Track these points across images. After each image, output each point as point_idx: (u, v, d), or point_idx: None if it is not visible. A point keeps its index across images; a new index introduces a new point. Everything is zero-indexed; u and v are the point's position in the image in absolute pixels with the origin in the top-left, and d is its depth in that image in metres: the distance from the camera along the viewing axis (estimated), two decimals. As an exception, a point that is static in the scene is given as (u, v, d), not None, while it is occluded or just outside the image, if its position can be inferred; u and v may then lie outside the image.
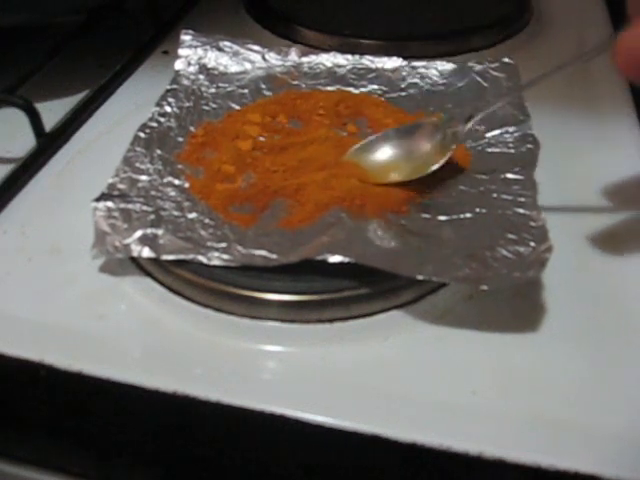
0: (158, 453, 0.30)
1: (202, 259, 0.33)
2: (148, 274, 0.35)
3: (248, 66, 0.49)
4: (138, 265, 0.36)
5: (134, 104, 0.49)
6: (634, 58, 0.31)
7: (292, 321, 0.33)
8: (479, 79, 0.46)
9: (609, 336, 0.33)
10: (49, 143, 0.45)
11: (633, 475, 0.27)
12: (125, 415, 0.31)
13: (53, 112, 0.47)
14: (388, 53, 0.50)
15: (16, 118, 0.44)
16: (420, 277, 0.31)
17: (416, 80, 0.48)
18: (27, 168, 0.43)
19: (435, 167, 0.38)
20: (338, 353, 0.32)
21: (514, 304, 0.34)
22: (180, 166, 0.40)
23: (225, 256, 0.33)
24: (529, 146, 0.40)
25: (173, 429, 0.30)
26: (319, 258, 0.32)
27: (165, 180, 0.38)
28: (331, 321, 0.33)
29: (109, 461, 0.31)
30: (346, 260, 0.31)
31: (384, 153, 0.40)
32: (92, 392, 0.31)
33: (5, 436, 0.32)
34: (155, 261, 0.34)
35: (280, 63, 0.49)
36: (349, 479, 0.29)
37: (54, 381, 0.31)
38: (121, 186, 0.37)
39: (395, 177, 0.39)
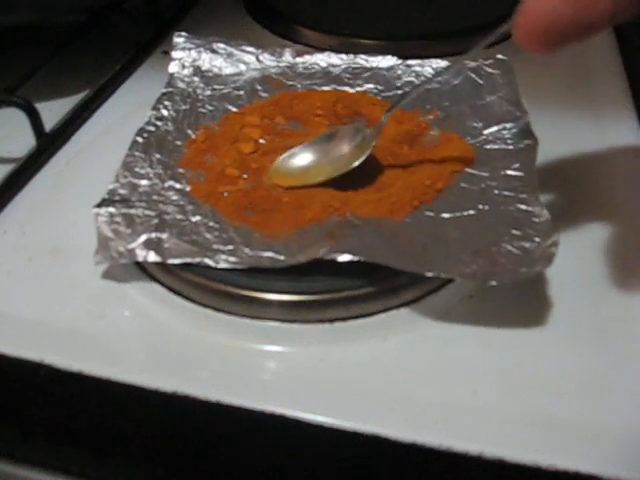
0: (158, 453, 0.30)
1: (209, 262, 0.33)
2: (148, 274, 0.35)
3: (242, 67, 0.49)
4: (139, 266, 0.36)
5: (134, 104, 0.49)
6: (537, 25, 0.29)
7: (292, 321, 0.33)
8: (474, 76, 0.46)
9: (609, 336, 0.33)
10: (49, 143, 0.45)
11: (633, 475, 0.27)
12: (125, 415, 0.31)
13: (53, 112, 0.47)
14: (387, 53, 0.50)
15: (16, 118, 0.44)
16: (429, 274, 0.31)
17: (411, 78, 0.48)
18: (27, 168, 0.43)
19: (357, 163, 0.39)
20: (338, 353, 0.32)
21: (514, 304, 0.34)
22: (181, 170, 0.40)
23: (232, 258, 0.33)
24: (527, 142, 0.40)
25: (173, 429, 0.30)
26: (328, 258, 0.32)
27: (166, 184, 0.38)
28: (331, 321, 0.33)
29: (109, 461, 0.31)
30: (355, 259, 0.31)
31: (305, 159, 0.41)
32: (92, 392, 0.31)
33: (5, 436, 0.32)
34: (155, 262, 0.34)
35: (274, 64, 0.49)
36: (349, 479, 0.29)
37: (54, 381, 0.31)
38: (122, 191, 0.37)
39: (318, 178, 0.39)
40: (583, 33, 0.29)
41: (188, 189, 0.38)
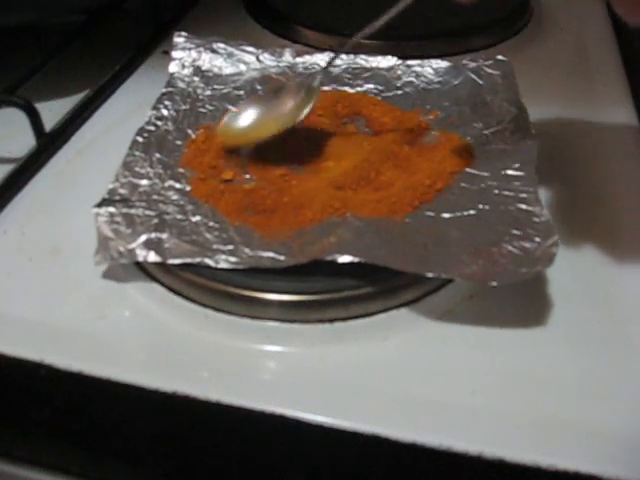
0: (158, 453, 0.30)
1: (209, 262, 0.33)
2: (148, 274, 0.35)
3: (243, 67, 0.49)
4: (138, 266, 0.36)
5: (134, 104, 0.49)
6: None
7: (292, 321, 0.33)
8: (474, 76, 0.47)
9: (609, 336, 0.33)
10: (49, 143, 0.45)
11: (633, 475, 0.27)
12: (125, 415, 0.31)
13: (53, 112, 0.47)
14: (387, 53, 0.50)
15: (16, 118, 0.44)
16: (429, 274, 0.31)
17: (411, 79, 0.48)
18: (27, 168, 0.43)
19: (302, 117, 0.40)
20: (338, 353, 0.32)
21: (514, 304, 0.34)
22: (181, 169, 0.40)
23: (232, 259, 0.33)
24: (528, 142, 0.40)
25: (173, 429, 0.30)
26: (328, 258, 0.32)
27: (166, 184, 0.38)
28: (331, 321, 0.33)
29: (109, 461, 0.31)
30: (355, 260, 0.31)
31: (250, 116, 0.42)
32: (92, 392, 0.31)
33: (5, 436, 0.32)
34: (155, 262, 0.34)
35: (274, 64, 0.49)
36: (349, 479, 0.29)
37: (54, 381, 0.31)
38: (122, 191, 0.37)
39: (265, 134, 0.40)
40: None
41: (188, 189, 0.38)
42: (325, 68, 0.43)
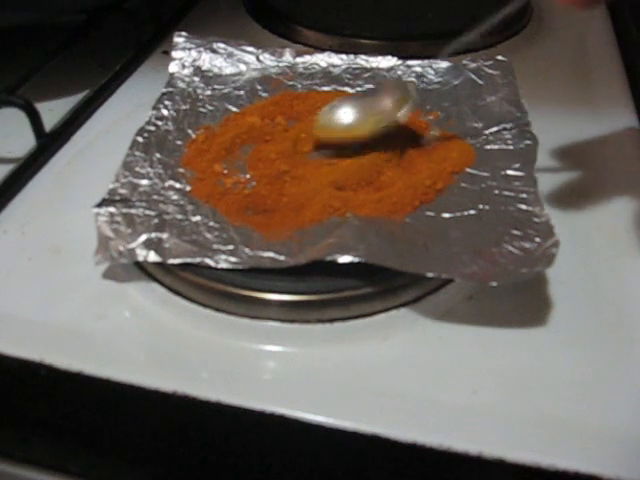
0: (158, 453, 0.30)
1: (209, 262, 0.33)
2: (148, 274, 0.35)
3: (243, 67, 0.49)
4: (138, 266, 0.36)
5: (134, 104, 0.49)
6: None
7: (292, 321, 0.33)
8: (474, 77, 0.47)
9: (609, 336, 0.33)
10: (49, 143, 0.45)
11: (633, 475, 0.27)
12: (125, 415, 0.31)
13: (53, 112, 0.47)
14: (387, 53, 0.50)
15: (16, 118, 0.44)
16: (430, 275, 0.31)
17: (412, 79, 0.48)
18: (27, 168, 0.43)
19: (400, 115, 0.40)
20: (338, 353, 0.32)
21: (514, 304, 0.34)
22: (181, 170, 0.40)
23: (232, 259, 0.33)
24: (528, 142, 0.40)
25: (173, 429, 0.30)
26: (328, 259, 0.32)
27: (166, 184, 0.38)
28: (331, 321, 0.33)
29: (109, 461, 0.31)
30: (356, 260, 0.31)
31: (348, 113, 0.42)
32: (92, 392, 0.31)
33: (5, 436, 0.32)
34: (155, 262, 0.34)
35: (275, 64, 0.49)
36: (349, 479, 0.29)
37: (54, 381, 0.31)
38: (122, 191, 0.37)
39: (362, 132, 0.41)
40: None
41: (188, 189, 0.38)
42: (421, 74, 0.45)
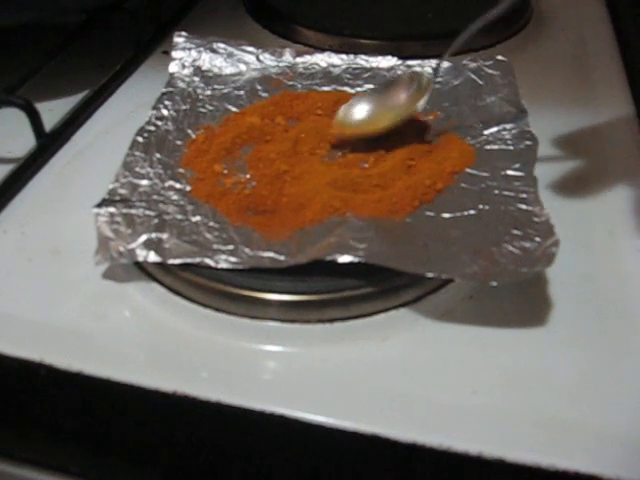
0: (158, 453, 0.30)
1: (209, 262, 0.33)
2: (148, 274, 0.35)
3: (243, 67, 0.49)
4: (138, 266, 0.36)
5: (134, 104, 0.49)
6: None
7: (292, 321, 0.33)
8: (474, 77, 0.47)
9: (609, 336, 0.33)
10: (49, 143, 0.45)
11: (633, 475, 0.27)
12: (125, 415, 0.31)
13: (53, 112, 0.47)
14: (387, 53, 0.50)
15: (16, 118, 0.44)
16: (430, 275, 0.31)
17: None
18: (27, 168, 0.43)
19: (418, 108, 0.41)
20: (338, 353, 0.32)
21: (514, 304, 0.34)
22: (181, 170, 0.40)
23: (232, 259, 0.33)
24: (527, 143, 0.40)
25: (173, 429, 0.30)
26: (328, 258, 0.32)
27: (166, 184, 0.38)
28: (331, 321, 0.33)
29: (109, 461, 0.31)
30: (356, 260, 0.31)
31: (364, 109, 0.43)
32: (92, 392, 0.31)
33: (5, 436, 0.32)
34: (155, 262, 0.34)
35: (275, 64, 0.49)
36: (349, 479, 0.29)
37: (54, 381, 0.31)
38: (122, 191, 0.37)
39: (381, 126, 0.42)
40: None
41: (188, 189, 0.38)
42: (436, 68, 0.44)
